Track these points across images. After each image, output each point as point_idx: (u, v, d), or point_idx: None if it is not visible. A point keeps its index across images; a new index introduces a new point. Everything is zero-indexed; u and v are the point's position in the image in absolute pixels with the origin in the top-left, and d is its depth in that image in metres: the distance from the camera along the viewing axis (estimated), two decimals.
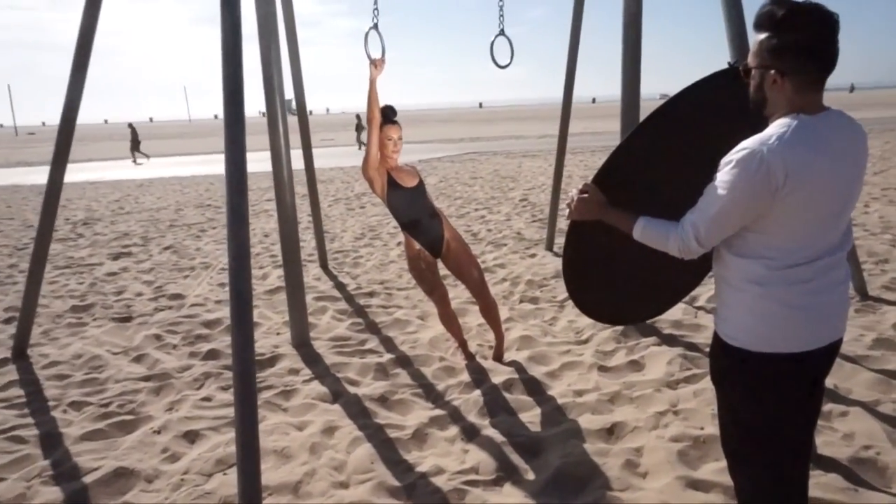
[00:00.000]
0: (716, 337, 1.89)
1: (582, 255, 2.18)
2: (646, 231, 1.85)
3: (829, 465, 2.74)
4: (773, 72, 1.63)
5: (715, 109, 1.94)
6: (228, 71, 2.61)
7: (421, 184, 3.91)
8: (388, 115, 3.74)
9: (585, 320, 4.74)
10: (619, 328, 4.47)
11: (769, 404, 1.81)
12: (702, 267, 2.16)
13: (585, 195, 1.95)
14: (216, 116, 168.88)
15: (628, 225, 1.89)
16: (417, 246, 3.87)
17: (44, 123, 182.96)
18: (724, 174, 1.65)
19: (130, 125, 26.76)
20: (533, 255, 6.88)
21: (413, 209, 3.84)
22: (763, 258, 1.71)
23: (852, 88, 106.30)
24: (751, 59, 1.71)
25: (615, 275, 2.28)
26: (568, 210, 2.00)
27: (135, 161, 24.95)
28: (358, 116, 26.20)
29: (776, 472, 1.89)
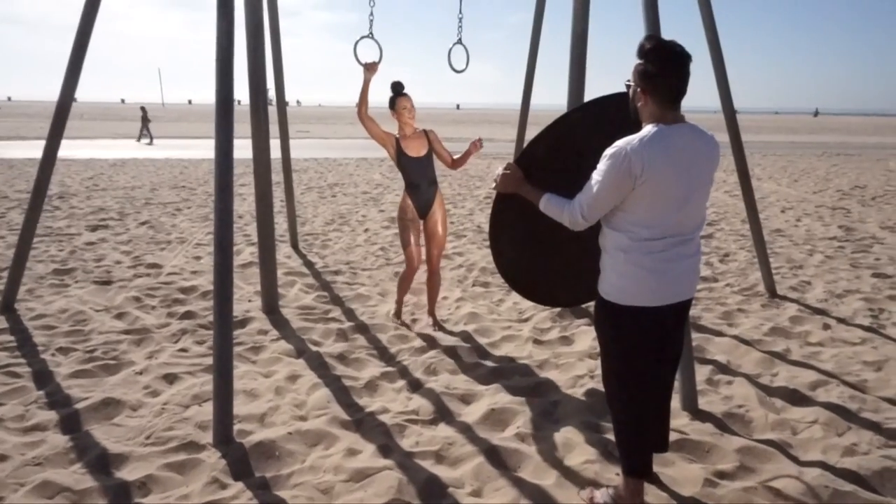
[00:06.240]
0: (597, 294, 2.44)
1: (503, 220, 2.73)
2: (548, 204, 2.39)
3: (706, 417, 3.34)
4: (640, 90, 2.19)
5: (606, 117, 2.50)
6: (221, 73, 3.06)
7: (428, 155, 4.47)
8: (399, 89, 4.39)
9: (528, 303, 5.31)
10: (557, 310, 5.05)
11: (629, 347, 2.36)
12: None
13: (508, 172, 2.50)
14: (190, 101, 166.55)
15: (536, 198, 2.43)
16: (410, 201, 4.44)
17: (9, 98, 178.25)
18: (601, 165, 2.20)
19: None
20: (489, 246, 7.42)
21: (416, 175, 4.45)
22: (627, 231, 2.26)
23: (816, 113, 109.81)
24: (631, 78, 2.26)
25: (530, 245, 2.82)
26: (495, 183, 2.54)
27: None
28: (143, 108, 28.27)
29: (636, 406, 2.45)
